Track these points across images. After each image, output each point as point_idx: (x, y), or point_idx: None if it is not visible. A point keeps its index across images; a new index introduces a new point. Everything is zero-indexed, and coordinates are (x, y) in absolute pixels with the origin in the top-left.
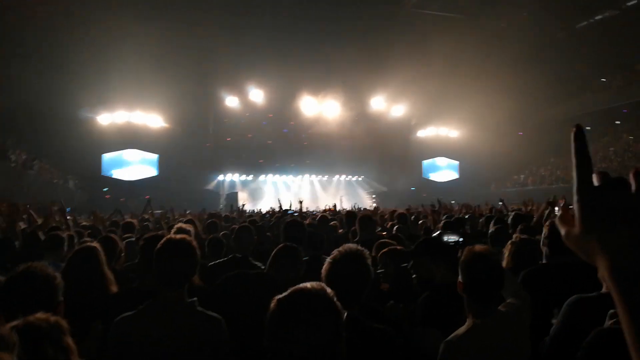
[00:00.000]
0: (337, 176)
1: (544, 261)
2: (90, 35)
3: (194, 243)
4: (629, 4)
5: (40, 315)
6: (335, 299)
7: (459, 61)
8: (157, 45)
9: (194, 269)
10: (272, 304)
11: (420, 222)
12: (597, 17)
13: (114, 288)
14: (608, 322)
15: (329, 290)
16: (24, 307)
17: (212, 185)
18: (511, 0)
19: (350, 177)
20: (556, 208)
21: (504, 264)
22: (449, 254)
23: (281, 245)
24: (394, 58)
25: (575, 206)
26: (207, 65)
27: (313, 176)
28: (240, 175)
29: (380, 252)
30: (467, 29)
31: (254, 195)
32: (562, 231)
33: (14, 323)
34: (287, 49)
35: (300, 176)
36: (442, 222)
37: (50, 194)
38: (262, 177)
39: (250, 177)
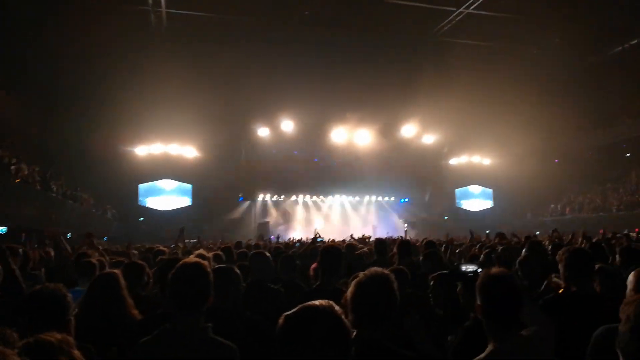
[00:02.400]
0: (367, 197)
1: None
2: (130, 74)
3: (208, 267)
4: None
5: (48, 334)
6: (343, 317)
7: (491, 88)
8: (190, 79)
9: (208, 292)
10: (281, 321)
11: (458, 250)
12: (632, 42)
13: (136, 313)
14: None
15: (337, 308)
16: (37, 324)
17: (241, 211)
18: (543, 27)
19: (381, 197)
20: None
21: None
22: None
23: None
24: (425, 86)
25: None
26: (239, 97)
27: (344, 196)
28: (272, 197)
29: (430, 277)
30: (499, 56)
31: (285, 217)
32: None
33: (25, 341)
34: (318, 79)
35: (330, 196)
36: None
37: (89, 223)
38: (293, 197)
39: (282, 198)
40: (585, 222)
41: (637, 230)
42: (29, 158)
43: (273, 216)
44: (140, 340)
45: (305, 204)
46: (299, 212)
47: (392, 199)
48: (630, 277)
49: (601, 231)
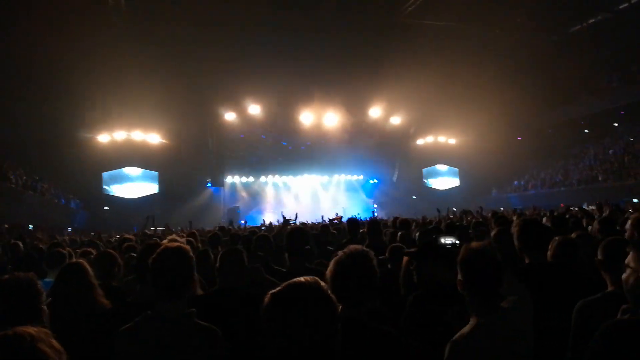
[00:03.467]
0: (336, 176)
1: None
2: (88, 58)
3: (191, 252)
4: (621, 7)
5: (21, 327)
6: (329, 293)
7: (455, 69)
8: (153, 63)
9: (190, 278)
10: (266, 299)
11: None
12: (590, 21)
13: (106, 303)
14: (622, 317)
15: (323, 284)
16: (8, 313)
17: (209, 197)
18: (504, 7)
19: (350, 175)
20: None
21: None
22: (451, 256)
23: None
24: (391, 68)
25: None
26: (204, 82)
27: (313, 175)
28: (240, 177)
29: (406, 252)
30: (462, 38)
31: (254, 197)
32: None
33: (2, 333)
34: (283, 62)
35: (300, 176)
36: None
37: (51, 214)
38: (262, 179)
39: (251, 179)
40: (547, 197)
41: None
42: None
43: (243, 199)
44: (120, 328)
45: (275, 185)
46: (269, 193)
47: (361, 177)
48: (601, 245)
49: (562, 205)
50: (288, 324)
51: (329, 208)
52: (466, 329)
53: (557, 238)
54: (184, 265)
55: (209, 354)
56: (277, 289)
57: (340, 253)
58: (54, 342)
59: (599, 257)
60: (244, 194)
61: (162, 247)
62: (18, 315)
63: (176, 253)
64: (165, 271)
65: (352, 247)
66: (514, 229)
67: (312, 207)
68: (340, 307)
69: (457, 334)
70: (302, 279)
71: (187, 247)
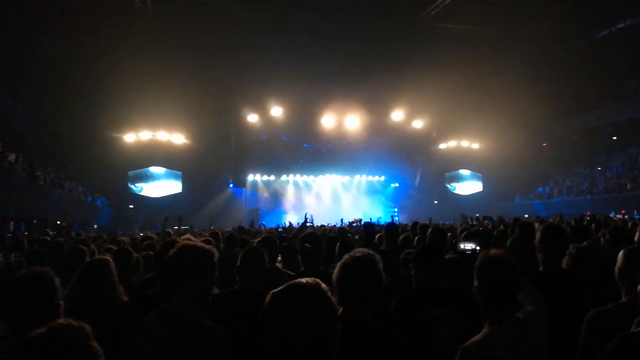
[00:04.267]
0: (357, 176)
1: (540, 268)
2: (117, 61)
3: (206, 250)
4: None
5: (62, 321)
6: (329, 294)
7: (478, 74)
8: (178, 65)
9: (201, 275)
10: (268, 298)
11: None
12: (618, 26)
13: (126, 300)
14: (636, 329)
15: (323, 285)
16: (24, 309)
17: (231, 198)
18: (530, 12)
19: (371, 177)
20: None
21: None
22: (442, 261)
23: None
24: (414, 71)
25: None
26: (228, 84)
27: (334, 176)
28: (262, 176)
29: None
30: (486, 42)
31: (276, 196)
32: None
33: (39, 331)
34: (306, 65)
35: (321, 176)
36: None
37: (77, 211)
38: (284, 177)
39: (272, 178)
40: (573, 204)
41: (622, 212)
42: (15, 146)
43: (265, 199)
44: (139, 321)
45: (296, 184)
46: (290, 193)
47: (382, 178)
48: (620, 254)
49: (588, 213)
50: (286, 324)
51: (349, 208)
52: (478, 336)
53: (572, 247)
54: (189, 260)
55: (210, 354)
56: (278, 289)
57: (346, 256)
58: (93, 342)
59: (618, 266)
60: (265, 194)
61: (178, 244)
62: (34, 311)
63: (185, 249)
64: (174, 265)
65: (359, 250)
66: (537, 235)
67: (333, 207)
68: (341, 309)
69: (469, 342)
70: (303, 280)
71: (203, 245)
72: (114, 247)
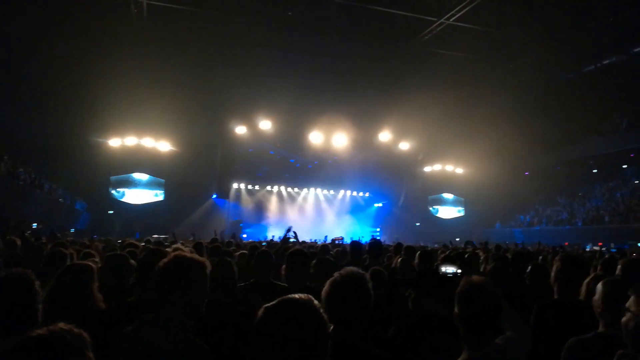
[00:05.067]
0: (342, 191)
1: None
2: (106, 65)
3: (203, 261)
4: (636, 50)
5: (63, 325)
6: (321, 311)
7: (466, 101)
8: (168, 73)
9: (193, 286)
10: (260, 312)
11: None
12: (604, 62)
13: (103, 306)
14: None
15: (316, 302)
16: (2, 311)
17: (212, 206)
18: (520, 43)
19: (356, 192)
20: None
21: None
22: (445, 287)
23: None
24: (403, 94)
25: None
26: (217, 95)
27: (319, 189)
28: (246, 186)
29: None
30: (476, 70)
31: (259, 209)
32: None
33: (39, 331)
34: (296, 81)
35: (305, 189)
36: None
37: (55, 214)
38: (268, 187)
39: (257, 187)
40: (552, 234)
41: (599, 244)
42: None
43: (248, 211)
44: (119, 329)
45: (279, 195)
46: (273, 204)
47: (367, 194)
48: (599, 286)
49: (566, 244)
50: (279, 339)
51: (332, 224)
52: None
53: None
54: (184, 272)
55: None
56: (271, 303)
57: (336, 274)
58: (89, 353)
59: (597, 296)
60: (248, 205)
61: (170, 254)
62: (13, 314)
63: (181, 260)
64: (163, 275)
65: (349, 268)
66: (555, 263)
67: (316, 219)
68: (332, 326)
69: None
70: (296, 295)
71: (195, 256)
72: (92, 252)
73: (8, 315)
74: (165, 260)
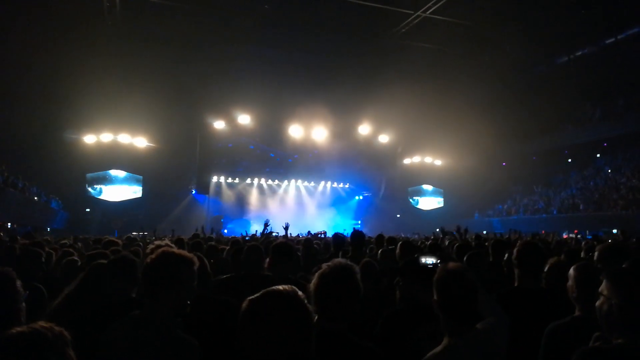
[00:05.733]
0: (323, 182)
1: (516, 283)
2: (79, 59)
3: (191, 258)
4: (607, 42)
5: (43, 323)
6: (306, 302)
7: (443, 92)
8: (144, 68)
9: (181, 283)
10: (244, 304)
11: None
12: (577, 54)
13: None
14: (594, 344)
15: (300, 293)
16: None
17: (191, 202)
18: (495, 35)
19: (336, 184)
20: None
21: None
22: (432, 276)
23: None
24: (381, 87)
25: None
26: (195, 89)
27: (299, 181)
28: (226, 179)
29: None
30: (452, 62)
31: (240, 204)
32: None
33: (19, 329)
34: (274, 75)
35: (286, 181)
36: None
37: (30, 212)
38: (248, 180)
39: (237, 180)
40: (529, 223)
41: (575, 231)
42: None
43: (228, 206)
44: (110, 325)
45: (260, 188)
46: (254, 197)
47: (347, 185)
48: (571, 271)
49: (542, 232)
50: (263, 331)
51: (313, 217)
52: (438, 349)
53: (550, 262)
54: (172, 268)
55: None
56: (255, 295)
57: (324, 266)
58: (69, 351)
59: (571, 282)
60: (229, 201)
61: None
62: None
63: (169, 256)
64: (151, 272)
65: (337, 260)
66: (514, 251)
67: (297, 212)
68: (317, 317)
69: (429, 354)
70: (280, 287)
71: (182, 252)
72: (73, 251)
73: None
74: (152, 256)
